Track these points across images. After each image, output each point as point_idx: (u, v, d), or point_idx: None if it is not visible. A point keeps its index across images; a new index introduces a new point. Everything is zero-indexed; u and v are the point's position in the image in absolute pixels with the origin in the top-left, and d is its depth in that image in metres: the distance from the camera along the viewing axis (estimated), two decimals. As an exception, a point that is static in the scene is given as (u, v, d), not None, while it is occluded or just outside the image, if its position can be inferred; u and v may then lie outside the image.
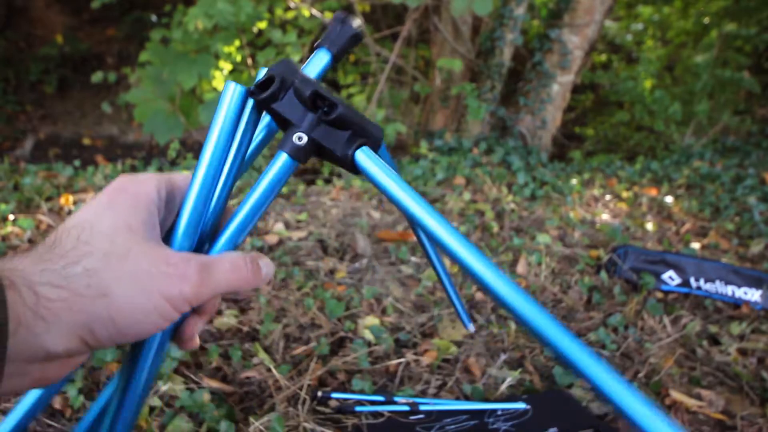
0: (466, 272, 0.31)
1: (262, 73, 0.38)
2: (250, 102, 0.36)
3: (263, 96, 0.35)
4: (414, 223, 0.35)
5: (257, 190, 0.36)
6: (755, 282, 1.55)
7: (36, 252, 0.31)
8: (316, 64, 0.42)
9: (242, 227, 0.36)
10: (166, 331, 0.36)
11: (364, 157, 0.36)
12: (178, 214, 0.35)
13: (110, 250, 0.31)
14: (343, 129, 0.35)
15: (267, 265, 0.38)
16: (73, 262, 0.30)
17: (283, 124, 0.37)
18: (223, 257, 0.35)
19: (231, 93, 0.35)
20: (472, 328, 0.59)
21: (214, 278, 0.34)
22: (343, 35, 0.42)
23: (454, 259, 0.31)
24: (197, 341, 0.40)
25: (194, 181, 0.35)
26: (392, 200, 0.34)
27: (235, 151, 0.37)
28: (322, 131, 0.35)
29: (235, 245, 0.37)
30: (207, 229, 0.36)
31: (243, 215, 0.36)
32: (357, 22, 0.42)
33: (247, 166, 0.40)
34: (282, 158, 0.36)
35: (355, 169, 0.36)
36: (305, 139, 0.35)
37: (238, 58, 2.80)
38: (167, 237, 0.36)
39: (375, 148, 0.37)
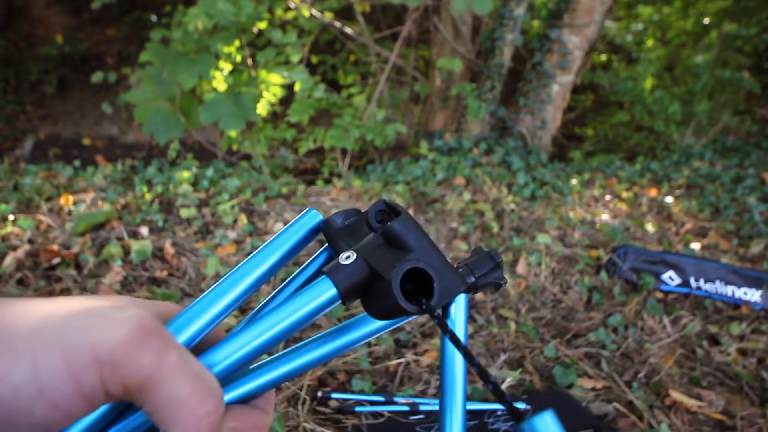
0: None
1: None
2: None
3: (335, 227, 0.31)
4: None
5: (282, 313, 0.27)
6: (755, 282, 1.55)
7: None
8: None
9: (253, 350, 0.26)
10: None
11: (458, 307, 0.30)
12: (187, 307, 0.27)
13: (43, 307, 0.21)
14: (402, 249, 0.28)
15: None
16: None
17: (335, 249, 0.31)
18: (196, 364, 0.23)
19: (307, 220, 0.31)
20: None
21: (163, 356, 0.21)
22: (484, 268, 0.32)
23: None
24: None
25: (225, 285, 0.27)
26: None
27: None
28: (375, 251, 0.28)
29: (233, 371, 0.27)
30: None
31: (256, 333, 0.26)
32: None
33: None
34: (323, 283, 0.27)
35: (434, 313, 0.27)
36: (353, 257, 0.27)
37: (238, 58, 2.80)
38: None
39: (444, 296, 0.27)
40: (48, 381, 0.19)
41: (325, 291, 0.27)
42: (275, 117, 3.32)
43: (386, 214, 0.30)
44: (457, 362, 0.32)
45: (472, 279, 0.31)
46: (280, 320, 0.26)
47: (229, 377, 0.27)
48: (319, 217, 0.31)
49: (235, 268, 0.28)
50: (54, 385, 0.19)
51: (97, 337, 0.20)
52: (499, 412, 0.97)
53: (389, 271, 0.25)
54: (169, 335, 0.22)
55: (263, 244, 0.30)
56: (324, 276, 0.27)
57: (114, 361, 0.19)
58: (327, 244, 0.32)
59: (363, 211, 0.31)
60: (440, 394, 0.33)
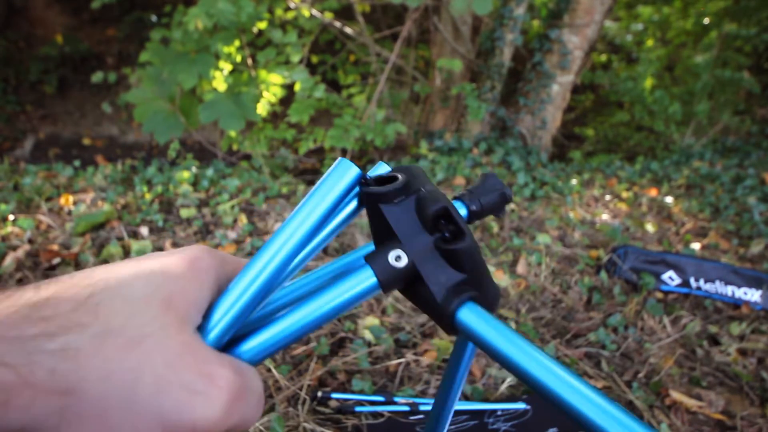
0: None
1: (383, 167, 0.31)
2: (356, 189, 0.29)
3: (378, 190, 0.27)
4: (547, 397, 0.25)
5: (322, 298, 0.27)
6: (755, 282, 1.55)
7: (24, 301, 0.21)
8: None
9: (287, 336, 0.27)
10: None
11: (471, 315, 0.26)
12: (221, 295, 0.26)
13: (118, 326, 0.21)
14: (457, 270, 0.27)
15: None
16: (52, 334, 0.20)
17: (382, 233, 0.29)
18: (256, 380, 0.25)
19: (343, 171, 0.28)
20: None
21: (244, 410, 0.23)
22: (488, 193, 0.33)
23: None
24: None
25: (264, 254, 0.26)
26: (517, 373, 0.25)
27: (318, 239, 0.29)
28: (430, 261, 0.27)
29: (269, 355, 0.27)
30: (246, 322, 0.27)
31: (292, 321, 0.27)
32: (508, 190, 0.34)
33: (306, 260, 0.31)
34: (367, 276, 0.27)
35: (452, 326, 0.27)
36: (405, 262, 0.26)
37: (238, 58, 2.80)
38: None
39: (489, 308, 0.28)
40: None
41: (367, 280, 0.27)
42: (275, 117, 3.32)
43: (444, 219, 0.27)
44: (465, 362, 0.33)
45: (475, 207, 0.33)
46: (321, 307, 0.27)
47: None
48: (357, 171, 0.28)
49: (270, 242, 0.27)
50: None
51: (196, 417, 0.21)
52: (499, 412, 0.97)
53: (442, 294, 0.26)
54: (250, 382, 0.24)
55: (297, 208, 0.28)
56: (366, 265, 0.27)
57: (208, 430, 0.21)
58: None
59: (409, 185, 0.28)
60: (443, 388, 0.35)
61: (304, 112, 2.62)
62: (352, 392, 1.00)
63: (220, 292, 0.26)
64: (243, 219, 1.78)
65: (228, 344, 0.26)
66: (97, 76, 2.96)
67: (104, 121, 5.32)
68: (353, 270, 0.28)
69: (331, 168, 0.28)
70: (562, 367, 0.24)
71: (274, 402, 0.95)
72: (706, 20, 4.69)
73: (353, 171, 0.28)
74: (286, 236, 0.27)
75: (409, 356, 1.13)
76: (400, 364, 1.11)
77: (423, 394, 1.04)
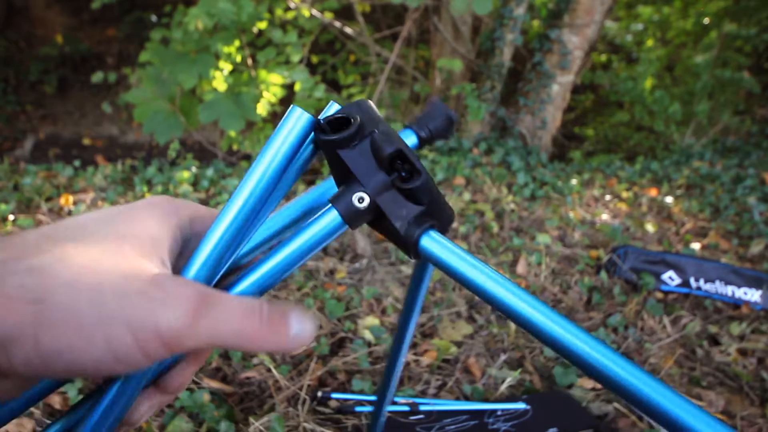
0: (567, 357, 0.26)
1: (334, 107, 0.32)
2: (311, 135, 0.30)
3: (333, 138, 0.29)
4: (501, 309, 0.27)
5: (295, 242, 0.29)
6: (755, 282, 1.55)
7: None
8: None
9: (269, 277, 0.29)
10: (134, 381, 0.27)
11: (431, 241, 0.29)
12: (198, 245, 0.28)
13: (81, 253, 0.23)
14: (416, 203, 0.29)
15: (301, 323, 0.27)
16: (18, 257, 0.22)
17: (342, 175, 0.31)
18: (234, 298, 0.26)
19: (296, 120, 0.29)
20: None
21: (215, 320, 0.24)
22: (435, 118, 0.36)
23: (549, 342, 0.26)
24: (166, 401, 0.30)
25: (230, 207, 0.28)
26: (472, 288, 0.28)
27: (276, 187, 0.30)
28: (390, 198, 0.29)
29: (258, 293, 0.29)
30: (221, 270, 0.29)
31: (273, 264, 0.29)
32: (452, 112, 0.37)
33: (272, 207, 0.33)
34: (332, 216, 0.29)
35: (417, 253, 0.30)
36: (367, 202, 0.29)
37: (238, 58, 2.80)
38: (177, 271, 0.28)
39: (443, 232, 0.31)
40: (122, 355, 0.22)
41: (333, 221, 0.29)
42: (275, 117, 3.32)
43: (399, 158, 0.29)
44: (424, 282, 0.37)
45: (424, 133, 0.36)
46: (295, 250, 0.29)
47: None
48: (309, 118, 0.29)
49: (234, 195, 0.29)
50: (126, 357, 0.23)
51: (160, 319, 0.23)
52: (499, 412, 0.97)
53: (405, 226, 0.29)
54: (217, 296, 0.25)
55: (256, 160, 0.29)
56: (332, 207, 0.29)
57: (177, 338, 0.23)
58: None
59: (362, 128, 0.29)
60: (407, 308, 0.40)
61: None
62: (352, 392, 1.00)
63: (182, 234, 0.29)
64: (243, 219, 1.78)
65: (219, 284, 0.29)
66: (97, 76, 2.96)
67: (104, 121, 5.32)
68: (320, 211, 0.30)
69: (284, 117, 0.30)
70: (512, 283, 0.27)
71: (274, 402, 0.95)
72: (706, 20, 4.69)
73: (305, 118, 0.29)
74: (251, 187, 0.28)
75: (409, 356, 1.13)
76: (400, 364, 1.11)
77: (423, 394, 1.04)
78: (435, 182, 0.31)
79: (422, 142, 0.36)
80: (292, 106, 0.30)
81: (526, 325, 0.26)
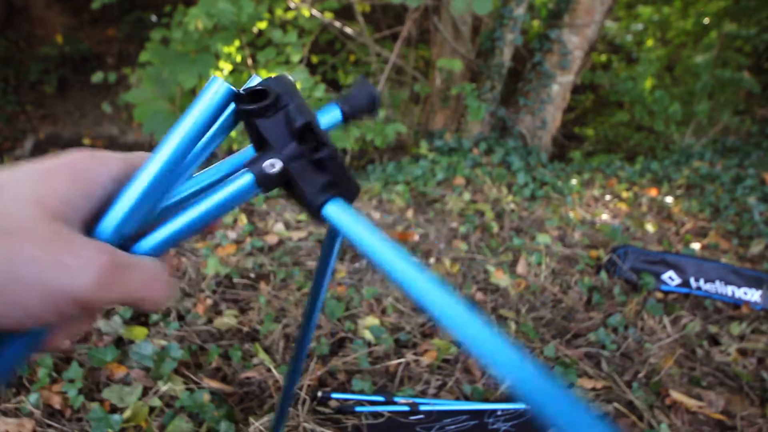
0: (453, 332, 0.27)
1: (256, 80, 0.34)
2: (232, 105, 0.33)
3: (250, 107, 0.31)
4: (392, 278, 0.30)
5: (209, 200, 0.32)
6: (755, 282, 1.55)
7: None
8: (324, 117, 0.38)
9: (179, 234, 0.31)
10: (33, 336, 0.29)
11: (335, 209, 0.32)
12: (113, 200, 0.29)
13: None
14: (323, 173, 0.32)
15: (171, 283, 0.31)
16: None
17: (259, 143, 0.33)
18: (145, 261, 0.29)
19: (216, 89, 0.31)
20: None
21: (125, 283, 0.27)
22: (359, 96, 0.39)
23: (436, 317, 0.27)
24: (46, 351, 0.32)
25: (146, 168, 0.30)
26: (367, 254, 0.30)
27: (196, 153, 0.33)
28: (299, 166, 0.32)
29: (162, 251, 0.31)
30: (136, 227, 0.31)
31: (184, 221, 0.31)
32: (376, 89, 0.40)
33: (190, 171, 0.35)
34: (246, 179, 0.32)
35: (320, 217, 0.33)
36: (278, 168, 0.31)
37: (238, 58, 2.80)
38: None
39: (349, 201, 0.34)
40: (37, 316, 0.25)
41: (246, 183, 0.31)
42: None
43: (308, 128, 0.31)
44: (334, 251, 0.41)
45: (347, 109, 0.38)
46: (208, 207, 0.32)
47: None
48: (227, 88, 0.31)
49: (151, 156, 0.30)
50: (42, 317, 0.25)
51: (75, 285, 0.25)
52: (499, 412, 0.97)
53: (312, 193, 0.32)
54: (126, 260, 0.27)
55: (176, 125, 0.31)
56: (246, 170, 0.31)
57: (90, 300, 0.25)
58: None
59: (279, 100, 0.31)
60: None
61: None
62: (352, 392, 1.00)
63: (105, 192, 0.29)
64: (243, 219, 1.78)
65: (126, 243, 0.30)
66: (97, 76, 2.96)
67: (104, 121, 5.32)
68: (236, 174, 0.32)
69: (205, 86, 0.31)
70: (405, 254, 0.29)
71: (274, 402, 0.95)
72: (706, 20, 4.69)
73: (225, 87, 0.31)
74: (168, 149, 0.30)
75: (409, 356, 1.13)
76: (400, 364, 1.11)
77: (423, 394, 1.04)
78: (342, 158, 0.33)
79: (345, 117, 0.38)
80: (213, 76, 0.32)
81: (413, 296, 0.28)
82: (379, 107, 0.39)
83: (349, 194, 0.34)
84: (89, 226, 0.29)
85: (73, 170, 0.28)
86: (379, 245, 0.30)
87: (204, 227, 0.32)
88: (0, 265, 0.24)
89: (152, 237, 0.31)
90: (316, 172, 0.32)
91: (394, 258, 0.29)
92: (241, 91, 0.32)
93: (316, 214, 0.33)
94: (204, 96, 0.31)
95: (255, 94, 0.32)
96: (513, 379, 0.25)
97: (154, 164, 0.30)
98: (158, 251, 0.31)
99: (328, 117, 0.38)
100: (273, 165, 0.31)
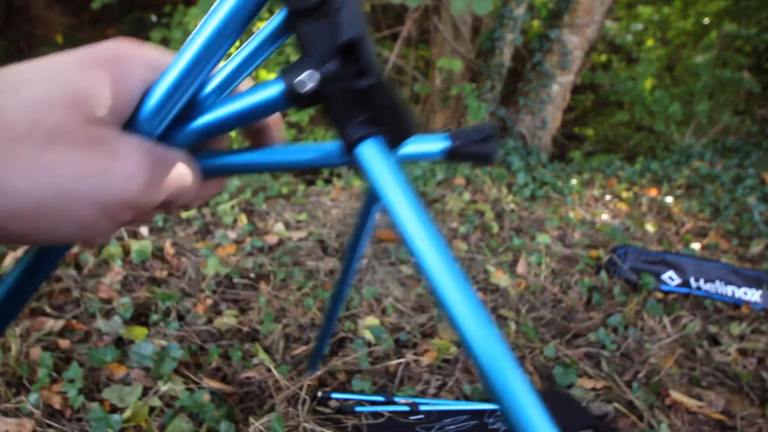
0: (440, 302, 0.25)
1: None
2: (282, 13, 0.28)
3: (294, 5, 0.26)
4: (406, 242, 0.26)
5: (232, 105, 0.28)
6: (755, 282, 1.55)
7: None
8: (427, 142, 0.33)
9: (206, 131, 0.29)
10: None
11: (371, 150, 0.27)
12: (149, 89, 0.27)
13: (25, 133, 0.21)
14: (365, 105, 0.27)
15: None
16: None
17: (301, 49, 0.27)
18: (181, 159, 0.28)
19: None
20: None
21: (170, 182, 0.26)
22: (473, 131, 0.35)
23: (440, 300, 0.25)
24: None
25: (182, 55, 0.27)
26: (390, 213, 0.26)
27: (242, 54, 0.29)
28: (338, 90, 0.26)
29: (195, 144, 0.30)
30: (171, 118, 0.28)
31: (209, 119, 0.29)
32: None
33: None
34: (276, 88, 0.28)
35: (352, 157, 0.28)
36: (313, 85, 0.26)
37: (238, 58, 2.80)
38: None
39: (393, 143, 0.28)
40: (91, 228, 0.24)
41: (276, 92, 0.28)
42: (275, 117, 3.32)
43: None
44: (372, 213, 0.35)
45: (454, 143, 0.33)
46: (230, 114, 0.29)
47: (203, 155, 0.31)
48: None
49: (187, 43, 0.27)
50: (96, 228, 0.24)
51: (125, 190, 0.24)
52: (499, 412, 0.97)
53: (347, 125, 0.27)
54: (170, 158, 0.27)
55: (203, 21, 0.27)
56: (279, 79, 0.27)
57: (140, 203, 0.25)
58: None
59: (329, 2, 0.26)
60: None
61: (303, 112, 2.63)
62: (352, 392, 1.00)
63: (142, 80, 0.26)
64: (243, 219, 1.78)
65: (166, 132, 0.28)
66: (97, 76, 2.96)
67: (104, 121, 5.32)
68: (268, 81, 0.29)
69: None
70: (430, 225, 0.26)
71: (274, 402, 0.95)
72: (706, 20, 4.69)
73: None
74: (201, 38, 0.27)
75: (409, 356, 1.13)
76: (400, 364, 1.11)
77: (423, 394, 1.04)
78: (393, 90, 0.27)
79: (451, 152, 0.33)
80: None
81: (432, 285, 0.25)
82: (492, 158, 0.33)
83: (395, 135, 0.28)
84: (126, 119, 0.26)
85: (110, 62, 0.25)
86: (406, 211, 0.26)
87: (226, 131, 0.30)
88: (42, 181, 0.22)
89: (188, 127, 0.29)
90: (357, 102, 0.27)
91: (419, 232, 0.25)
92: None
93: (348, 150, 0.28)
94: None
95: None
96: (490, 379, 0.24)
97: (189, 50, 0.27)
98: (190, 139, 0.29)
99: (432, 144, 0.33)
100: (308, 80, 0.26)
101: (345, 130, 0.27)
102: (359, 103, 0.27)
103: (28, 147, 0.21)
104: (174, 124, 0.29)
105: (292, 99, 0.27)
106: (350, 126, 0.27)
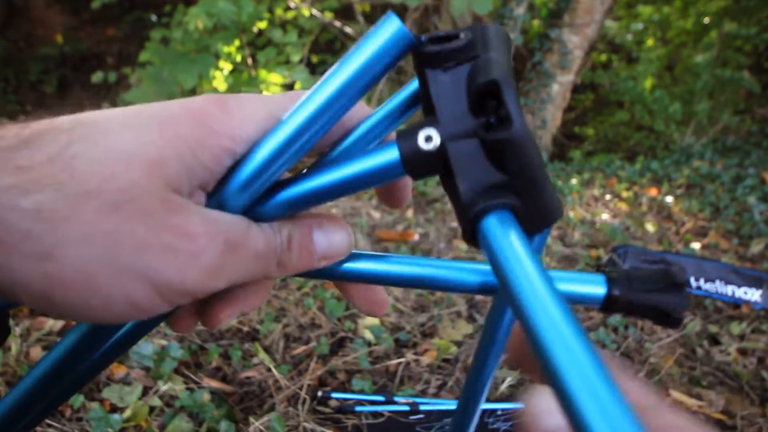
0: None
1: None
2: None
3: (425, 50, 0.21)
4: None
5: (341, 171, 0.24)
6: (755, 282, 1.55)
7: (5, 143, 0.19)
8: (586, 285, 0.24)
9: (303, 199, 0.24)
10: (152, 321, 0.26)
11: (496, 225, 0.20)
12: (247, 156, 0.23)
13: (95, 188, 0.19)
14: (499, 168, 0.21)
15: (328, 237, 0.25)
16: (26, 189, 0.18)
17: (428, 106, 0.23)
18: (255, 235, 0.23)
19: (389, 31, 0.22)
20: None
21: (236, 266, 0.22)
22: (649, 274, 0.24)
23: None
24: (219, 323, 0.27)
25: (292, 117, 0.23)
26: (521, 316, 0.18)
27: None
28: (465, 148, 0.21)
29: (289, 213, 0.25)
30: (261, 191, 0.24)
31: (309, 186, 0.24)
32: None
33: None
34: (389, 156, 0.22)
35: (473, 236, 0.21)
36: (435, 144, 0.21)
37: (238, 58, 2.80)
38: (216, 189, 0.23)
39: (528, 228, 0.21)
40: (143, 307, 0.21)
41: (390, 157, 0.23)
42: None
43: (495, 101, 0.21)
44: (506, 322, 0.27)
45: (617, 291, 0.23)
46: (340, 177, 0.24)
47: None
48: (407, 32, 0.22)
49: (303, 102, 0.23)
50: (148, 308, 0.21)
51: (186, 275, 0.21)
52: (499, 412, 0.97)
53: (471, 192, 0.21)
54: (241, 241, 0.23)
55: (334, 68, 0.23)
56: (394, 143, 0.23)
57: (200, 289, 0.22)
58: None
59: (468, 48, 0.21)
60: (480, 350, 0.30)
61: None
62: (352, 392, 1.00)
63: (227, 150, 0.23)
64: (243, 219, 1.79)
65: (256, 202, 0.25)
66: (97, 76, 2.96)
67: (104, 121, 5.32)
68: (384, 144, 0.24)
69: (376, 26, 0.22)
70: (581, 335, 0.17)
71: (274, 402, 0.95)
72: (706, 20, 4.68)
73: (397, 27, 0.21)
74: (313, 107, 0.23)
75: (409, 356, 1.13)
76: (400, 363, 1.11)
77: (423, 394, 1.04)
78: (540, 150, 0.21)
79: (612, 303, 0.23)
80: (389, 13, 0.22)
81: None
82: (681, 317, 0.23)
83: (533, 216, 0.21)
84: (212, 187, 0.23)
85: (201, 122, 0.22)
86: (547, 318, 0.17)
87: (328, 199, 0.25)
88: (101, 249, 0.19)
89: (271, 203, 0.24)
90: (488, 162, 0.21)
91: (570, 353, 0.16)
92: (424, 37, 0.22)
93: (467, 230, 0.22)
94: (374, 38, 0.22)
95: (441, 38, 0.22)
96: None
97: (291, 121, 0.23)
98: (278, 212, 0.25)
99: (582, 285, 0.24)
100: (429, 138, 0.21)
101: (464, 199, 0.21)
102: (491, 163, 0.21)
103: (93, 206, 0.19)
104: (266, 193, 0.24)
105: (409, 165, 0.22)
106: (473, 193, 0.21)
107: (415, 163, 0.22)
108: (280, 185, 0.25)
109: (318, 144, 0.25)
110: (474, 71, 0.21)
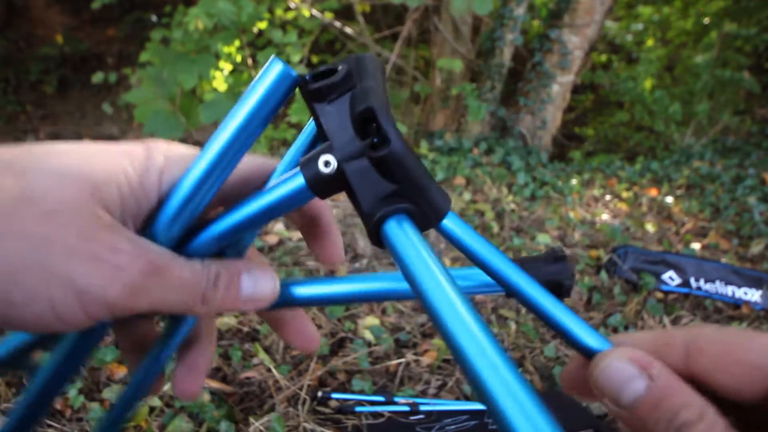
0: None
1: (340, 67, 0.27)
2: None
3: (309, 88, 0.25)
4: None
5: (255, 203, 0.27)
6: (755, 282, 1.55)
7: None
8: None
9: (224, 235, 0.27)
10: (86, 339, 0.27)
11: (396, 228, 0.24)
12: (168, 196, 0.26)
13: (39, 197, 0.21)
14: (389, 179, 0.24)
15: (255, 282, 0.27)
16: None
17: (321, 135, 0.27)
18: (182, 266, 0.25)
19: (274, 73, 0.25)
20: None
21: (160, 290, 0.24)
22: (542, 258, 0.31)
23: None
24: (192, 393, 0.30)
25: (203, 157, 0.26)
26: (423, 304, 0.23)
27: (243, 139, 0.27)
28: (358, 167, 0.24)
29: (214, 249, 0.28)
30: (186, 226, 0.27)
31: (230, 221, 0.27)
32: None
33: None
34: (297, 182, 0.26)
35: (378, 239, 0.25)
36: (333, 167, 0.24)
37: (238, 59, 2.80)
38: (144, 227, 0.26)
39: (423, 225, 0.25)
40: (65, 316, 0.22)
41: (297, 184, 0.26)
42: (275, 117, 3.32)
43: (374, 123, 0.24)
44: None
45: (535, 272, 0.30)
46: (253, 211, 0.27)
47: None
48: (290, 73, 0.25)
49: (208, 142, 0.26)
50: (69, 318, 0.22)
51: (108, 286, 0.22)
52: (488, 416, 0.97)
53: (369, 203, 0.25)
54: (166, 266, 0.24)
55: (227, 119, 0.26)
56: (299, 172, 0.26)
57: (122, 305, 0.23)
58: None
59: (345, 81, 0.25)
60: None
61: (304, 112, 2.62)
62: (352, 392, 1.00)
63: (157, 187, 0.26)
64: (243, 219, 1.79)
65: (184, 239, 0.27)
66: (97, 77, 2.96)
67: (105, 121, 5.32)
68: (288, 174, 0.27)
69: (263, 70, 0.26)
70: (471, 311, 0.21)
71: (274, 402, 0.95)
72: (706, 20, 4.68)
73: (280, 70, 0.25)
74: (219, 143, 0.26)
75: (409, 356, 1.13)
76: (400, 364, 1.11)
77: (423, 394, 1.04)
78: (419, 159, 0.25)
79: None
80: (272, 57, 0.26)
81: (460, 363, 0.21)
82: (568, 285, 0.30)
83: (425, 214, 0.25)
84: (143, 218, 0.26)
85: (138, 162, 0.25)
86: (442, 303, 0.22)
87: (248, 231, 0.28)
88: (28, 250, 0.20)
89: (197, 240, 0.27)
90: (381, 178, 0.24)
91: (459, 328, 0.21)
92: (307, 75, 0.26)
93: (372, 232, 0.25)
94: (261, 82, 0.25)
95: (323, 74, 0.26)
96: None
97: (210, 151, 0.26)
98: (204, 250, 0.27)
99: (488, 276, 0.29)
100: (327, 163, 0.24)
101: (365, 209, 0.25)
102: (381, 176, 0.24)
103: (34, 210, 0.21)
104: (194, 230, 0.27)
105: (314, 188, 0.25)
106: (370, 203, 0.24)
107: (319, 186, 0.25)
108: (206, 223, 0.27)
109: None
110: (353, 100, 0.24)
